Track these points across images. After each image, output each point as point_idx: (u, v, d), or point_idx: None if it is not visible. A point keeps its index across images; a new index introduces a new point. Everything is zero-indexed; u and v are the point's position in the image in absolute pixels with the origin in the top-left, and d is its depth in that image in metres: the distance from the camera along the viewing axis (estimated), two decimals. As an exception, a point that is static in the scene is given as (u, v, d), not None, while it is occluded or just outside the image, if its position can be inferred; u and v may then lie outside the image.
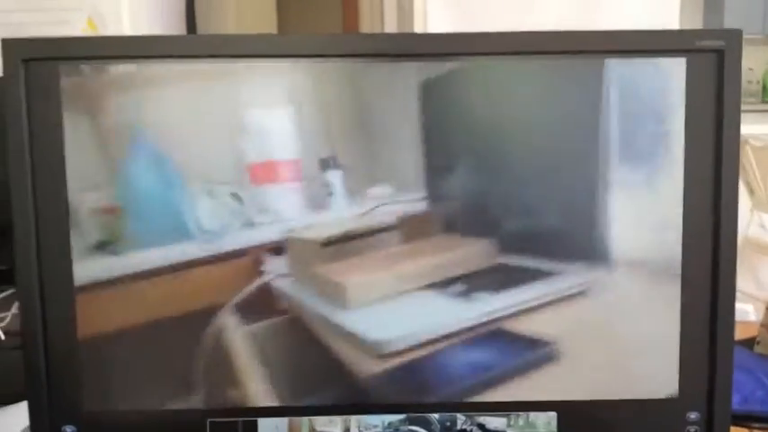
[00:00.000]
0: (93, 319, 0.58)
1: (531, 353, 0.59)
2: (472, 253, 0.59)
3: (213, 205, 0.57)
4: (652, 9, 2.61)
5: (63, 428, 0.59)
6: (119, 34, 2.43)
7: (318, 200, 0.58)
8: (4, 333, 0.90)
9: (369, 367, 0.59)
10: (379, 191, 0.58)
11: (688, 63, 0.58)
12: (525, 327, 0.59)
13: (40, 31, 2.33)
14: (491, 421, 0.59)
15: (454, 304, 0.59)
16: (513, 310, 0.59)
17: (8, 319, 1.09)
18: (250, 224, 0.58)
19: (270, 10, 3.64)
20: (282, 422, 0.59)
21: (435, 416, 0.59)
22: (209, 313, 0.58)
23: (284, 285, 0.58)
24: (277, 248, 0.58)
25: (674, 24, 2.65)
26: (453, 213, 0.59)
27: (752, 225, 3.14)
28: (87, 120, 0.57)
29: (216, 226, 0.57)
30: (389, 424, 0.59)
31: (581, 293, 0.59)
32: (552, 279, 0.59)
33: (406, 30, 2.53)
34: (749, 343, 1.77)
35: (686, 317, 0.59)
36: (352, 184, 0.58)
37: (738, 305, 1.27)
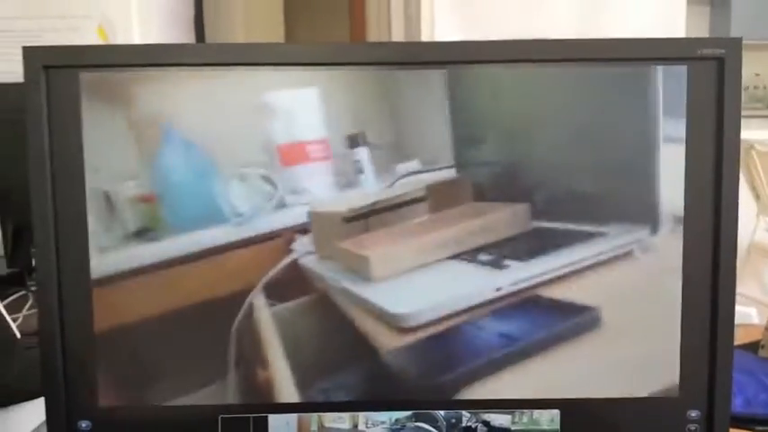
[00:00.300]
0: (111, 314, 0.60)
1: (571, 320, 0.59)
2: (504, 219, 0.59)
3: (245, 188, 0.58)
4: (658, 15, 2.62)
5: (78, 423, 0.61)
6: (129, 41, 2.46)
7: (348, 178, 0.59)
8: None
9: (393, 341, 0.59)
10: (408, 166, 0.59)
11: (689, 70, 0.59)
12: (562, 293, 0.59)
13: (55, 38, 2.36)
14: (495, 418, 0.61)
15: (484, 273, 0.60)
16: (548, 276, 0.59)
17: (20, 320, 1.11)
18: (282, 205, 0.59)
19: (277, 19, 3.67)
20: (292, 418, 0.61)
21: (441, 413, 0.61)
22: (241, 295, 0.59)
23: (311, 263, 0.59)
24: (305, 227, 0.59)
25: (681, 30, 2.66)
26: (483, 180, 0.59)
27: (758, 230, 3.14)
28: (118, 114, 0.59)
29: (248, 209, 0.58)
30: (396, 420, 0.61)
31: (625, 255, 0.59)
32: (593, 241, 0.59)
33: (413, 37, 2.55)
34: (753, 347, 1.78)
35: (687, 317, 0.60)
36: (381, 160, 0.59)
37: (741, 308, 1.28)
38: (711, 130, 0.59)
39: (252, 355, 0.59)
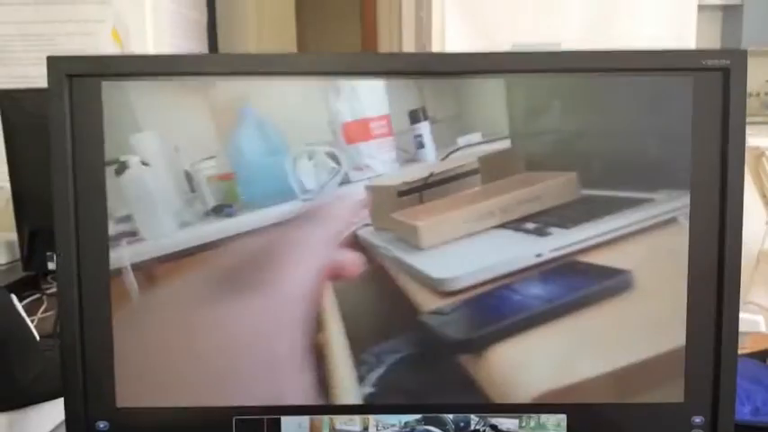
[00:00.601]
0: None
1: (603, 283, 0.61)
2: (552, 187, 0.61)
3: (312, 166, 0.61)
4: (669, 22, 2.62)
5: (96, 424, 0.63)
6: (143, 46, 2.48)
7: (410, 152, 0.61)
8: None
9: (434, 304, 0.61)
10: (469, 138, 0.61)
11: (695, 81, 0.60)
12: (599, 258, 0.61)
13: (68, 42, 2.38)
14: (503, 422, 0.62)
15: (527, 240, 0.61)
16: (589, 243, 0.61)
17: (35, 323, 1.13)
18: (346, 181, 0.61)
19: (289, 25, 3.69)
20: (304, 420, 0.62)
21: (450, 416, 0.62)
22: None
23: (367, 234, 0.61)
24: (364, 201, 0.61)
25: (692, 36, 2.66)
26: (534, 150, 0.61)
27: (767, 237, 3.13)
28: (200, 98, 0.61)
29: (315, 185, 0.61)
30: (406, 423, 0.62)
31: (671, 221, 0.61)
32: (640, 207, 0.61)
33: (424, 44, 2.56)
34: (761, 355, 1.78)
35: (692, 326, 0.61)
36: (443, 134, 0.61)
37: (750, 316, 1.29)
38: (717, 139, 0.61)
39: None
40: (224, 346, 0.61)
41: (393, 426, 0.62)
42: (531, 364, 0.61)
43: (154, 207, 0.61)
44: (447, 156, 0.61)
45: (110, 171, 0.61)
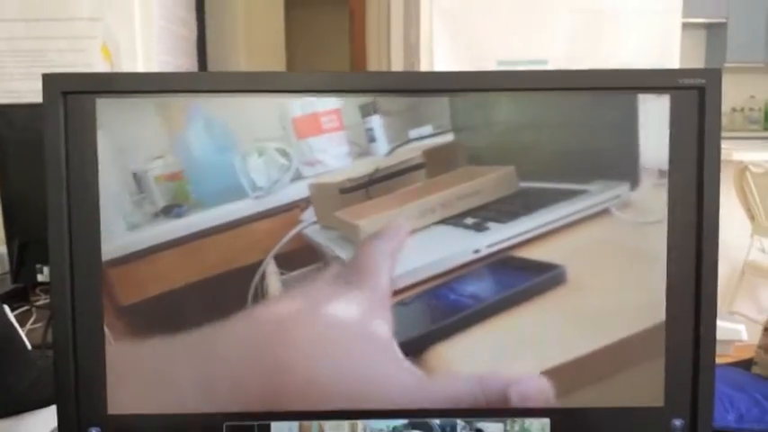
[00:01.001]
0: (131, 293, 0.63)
1: (536, 278, 0.62)
2: (491, 181, 0.62)
3: (263, 163, 0.61)
4: (654, 39, 2.66)
5: (89, 430, 0.64)
6: (132, 62, 2.50)
7: (362, 146, 0.62)
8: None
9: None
10: (420, 131, 0.62)
11: (672, 99, 0.63)
12: (536, 253, 0.62)
13: (59, 58, 2.40)
14: (488, 426, 0.64)
15: (465, 236, 0.62)
16: (526, 236, 0.62)
17: (24, 334, 1.14)
18: (297, 177, 0.61)
19: (279, 42, 3.72)
20: (294, 425, 0.64)
21: (437, 421, 0.64)
22: (256, 266, 0.62)
23: (314, 232, 0.62)
24: (311, 198, 0.62)
25: (676, 53, 2.70)
26: (477, 144, 0.62)
27: (752, 250, 3.17)
28: (147, 101, 0.62)
29: (266, 182, 0.61)
30: (393, 428, 0.64)
31: (603, 212, 0.62)
32: (576, 199, 0.62)
33: (412, 64, 2.59)
34: (745, 364, 1.80)
35: (671, 334, 0.63)
36: (394, 128, 0.62)
37: (731, 325, 1.31)
38: (693, 154, 0.63)
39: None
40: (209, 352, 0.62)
41: (381, 430, 0.64)
42: (470, 363, 0.63)
43: (103, 210, 0.62)
44: (392, 150, 0.62)
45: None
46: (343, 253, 0.62)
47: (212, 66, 3.14)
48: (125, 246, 0.62)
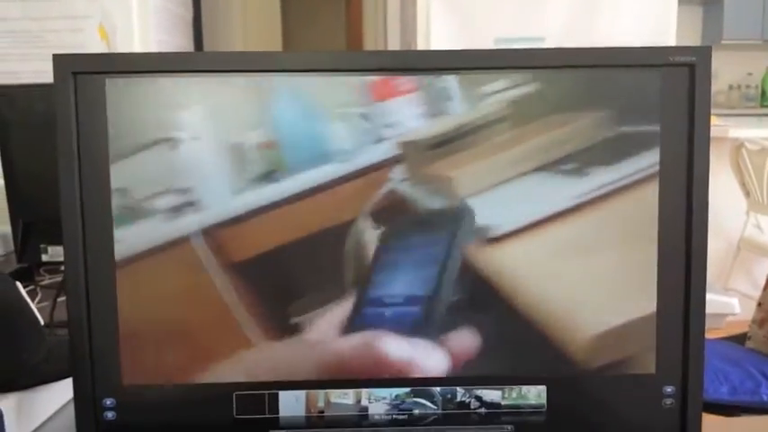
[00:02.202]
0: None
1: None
2: (586, 126, 0.64)
3: (346, 127, 0.64)
4: (650, 16, 2.66)
5: (103, 401, 0.66)
6: (129, 42, 2.50)
7: (438, 105, 0.65)
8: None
9: (478, 252, 0.64)
10: (493, 86, 0.64)
11: (663, 76, 0.65)
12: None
13: (56, 38, 2.40)
14: (487, 394, 0.66)
15: (566, 182, 0.65)
16: (631, 179, 0.64)
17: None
18: (379, 139, 0.64)
19: (275, 21, 3.71)
20: (301, 394, 0.66)
21: (437, 389, 0.66)
22: (349, 224, 0.65)
23: (405, 188, 0.64)
24: (399, 157, 0.64)
25: (672, 30, 2.71)
26: (565, 91, 0.64)
27: (748, 226, 3.21)
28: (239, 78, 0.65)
29: (350, 146, 0.64)
30: (396, 396, 0.66)
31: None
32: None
33: (409, 42, 2.60)
34: (738, 339, 1.84)
35: (662, 303, 0.66)
36: (469, 84, 0.64)
37: (725, 298, 1.34)
38: (684, 130, 0.65)
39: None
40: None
41: (384, 398, 0.66)
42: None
43: (208, 177, 0.64)
44: (477, 104, 0.65)
45: (161, 148, 0.64)
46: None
47: (208, 46, 3.15)
48: (228, 210, 0.65)
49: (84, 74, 0.63)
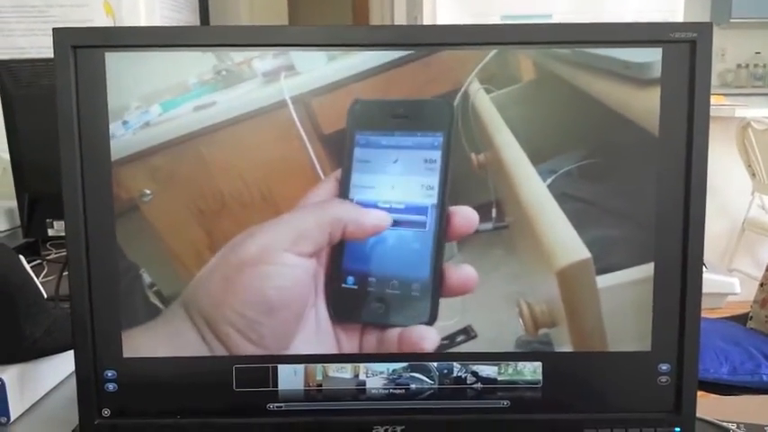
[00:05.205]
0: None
1: None
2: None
3: None
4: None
5: (105, 373, 0.67)
6: (134, 17, 2.50)
7: None
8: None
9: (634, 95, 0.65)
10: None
11: (664, 52, 0.64)
12: None
13: (61, 13, 2.39)
14: (483, 369, 0.67)
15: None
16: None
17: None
18: None
19: (281, 1, 3.69)
20: (299, 368, 0.67)
21: (434, 364, 0.67)
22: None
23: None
24: None
25: (680, 7, 2.69)
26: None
27: (753, 207, 3.19)
28: None
29: None
30: (393, 371, 0.67)
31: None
32: None
33: (415, 17, 2.58)
34: (740, 319, 1.84)
35: (659, 280, 0.66)
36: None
37: (726, 278, 1.34)
38: (684, 105, 0.65)
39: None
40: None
41: (381, 373, 0.67)
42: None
43: None
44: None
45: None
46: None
47: (214, 22, 3.13)
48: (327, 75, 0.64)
49: (84, 47, 0.63)
